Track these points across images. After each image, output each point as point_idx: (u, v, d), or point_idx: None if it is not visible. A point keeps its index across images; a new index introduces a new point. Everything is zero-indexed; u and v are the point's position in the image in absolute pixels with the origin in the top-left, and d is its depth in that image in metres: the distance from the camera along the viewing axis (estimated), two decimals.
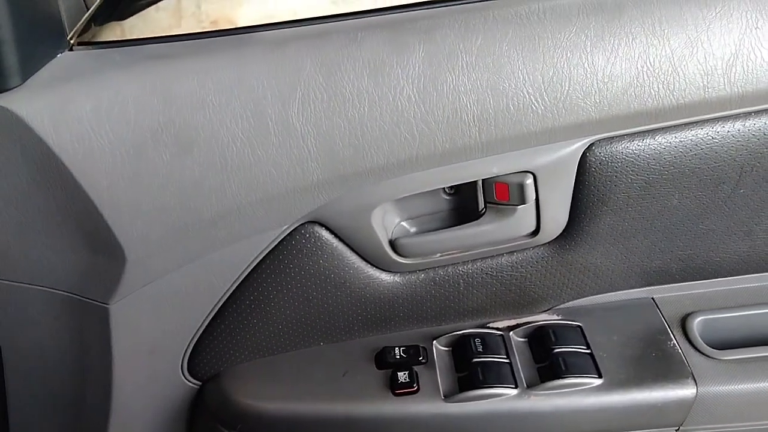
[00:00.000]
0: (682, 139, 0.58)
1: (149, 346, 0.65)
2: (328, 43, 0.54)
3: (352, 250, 0.63)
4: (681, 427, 0.66)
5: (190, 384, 0.69)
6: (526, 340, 0.69)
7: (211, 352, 0.67)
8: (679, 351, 0.66)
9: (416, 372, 0.66)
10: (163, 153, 0.53)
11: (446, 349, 0.69)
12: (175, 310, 0.63)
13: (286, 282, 0.63)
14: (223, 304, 0.64)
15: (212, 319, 0.65)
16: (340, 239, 0.62)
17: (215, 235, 0.59)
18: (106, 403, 0.67)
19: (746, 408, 0.65)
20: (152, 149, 0.53)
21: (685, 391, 0.63)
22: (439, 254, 0.65)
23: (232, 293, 0.64)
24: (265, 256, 0.62)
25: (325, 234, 0.61)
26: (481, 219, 0.63)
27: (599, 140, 0.58)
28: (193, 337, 0.66)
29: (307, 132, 0.54)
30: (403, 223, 0.66)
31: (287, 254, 0.61)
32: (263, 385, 0.67)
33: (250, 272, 0.62)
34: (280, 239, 0.61)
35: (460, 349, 0.68)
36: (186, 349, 0.67)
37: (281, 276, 0.63)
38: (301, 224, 0.60)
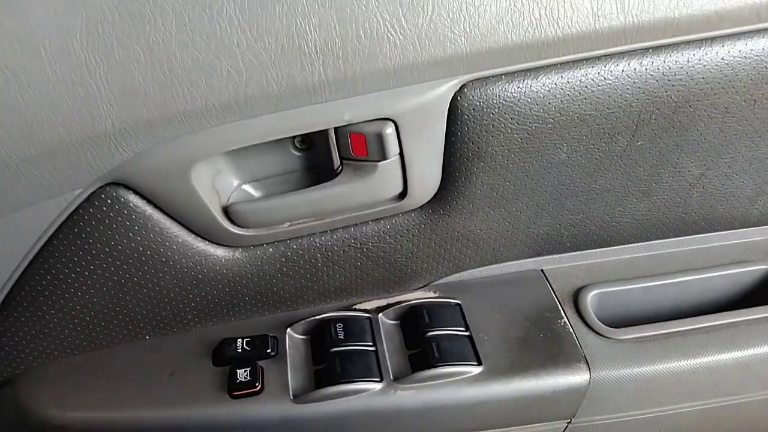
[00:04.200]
0: (569, 80, 0.49)
1: None
2: None
3: (173, 219, 0.50)
4: (573, 420, 0.58)
5: None
6: (398, 322, 0.59)
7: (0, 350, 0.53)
8: (571, 331, 0.58)
9: (261, 368, 0.54)
10: None
11: (302, 337, 0.58)
12: None
13: (88, 261, 0.50)
14: (9, 291, 0.50)
15: None
16: (155, 206, 0.49)
17: None
18: None
19: (646, 394, 0.57)
20: None
21: (578, 378, 0.55)
22: (288, 223, 0.53)
23: (19, 278, 0.50)
24: (57, 229, 0.48)
25: (134, 199, 0.48)
26: (336, 179, 0.51)
27: (472, 81, 0.47)
28: None
29: (95, 64, 0.42)
30: (245, 187, 0.54)
31: (85, 225, 0.48)
32: (69, 391, 0.54)
33: (39, 250, 0.49)
34: (74, 206, 0.47)
35: (319, 336, 0.57)
36: None
37: (80, 253, 0.49)
38: (101, 186, 0.47)
